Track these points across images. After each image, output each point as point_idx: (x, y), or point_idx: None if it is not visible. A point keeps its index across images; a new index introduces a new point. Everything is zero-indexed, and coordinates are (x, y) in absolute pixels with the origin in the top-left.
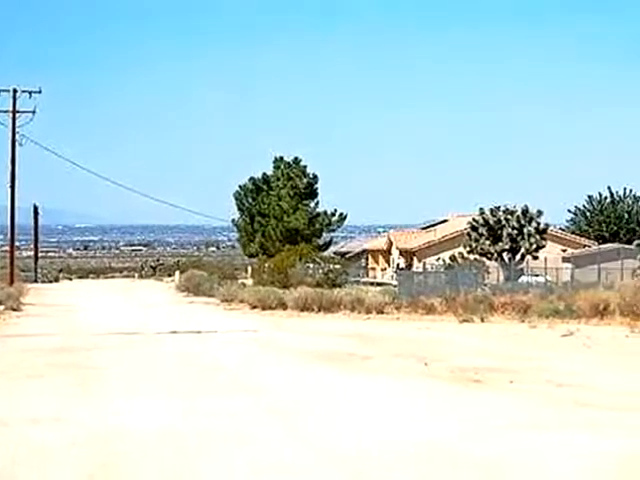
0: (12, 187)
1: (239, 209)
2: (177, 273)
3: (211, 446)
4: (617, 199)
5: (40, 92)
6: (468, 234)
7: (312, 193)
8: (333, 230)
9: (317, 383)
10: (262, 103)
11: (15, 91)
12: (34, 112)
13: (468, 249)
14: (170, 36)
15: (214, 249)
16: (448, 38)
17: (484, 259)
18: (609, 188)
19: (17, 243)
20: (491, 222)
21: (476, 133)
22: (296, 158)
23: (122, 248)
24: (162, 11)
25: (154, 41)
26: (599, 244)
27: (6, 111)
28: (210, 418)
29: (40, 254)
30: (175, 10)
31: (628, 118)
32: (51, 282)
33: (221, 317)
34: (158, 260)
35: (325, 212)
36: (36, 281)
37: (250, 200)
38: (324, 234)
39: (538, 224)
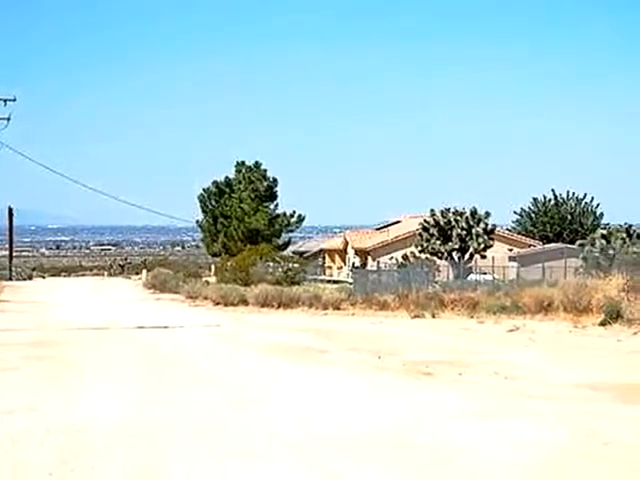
0: None
1: (203, 211)
2: (144, 271)
3: (176, 434)
4: (560, 201)
5: (15, 100)
6: (420, 234)
7: (272, 196)
8: (292, 230)
9: (276, 375)
10: (226, 110)
11: None
12: (9, 119)
13: (420, 248)
14: (140, 41)
15: (179, 249)
16: (391, 49)
17: (435, 258)
18: (553, 191)
19: None
20: (441, 223)
21: (428, 139)
22: (257, 162)
23: (92, 248)
24: (128, 17)
25: (125, 46)
26: (543, 244)
27: None
28: (176, 408)
29: (14, 253)
30: (139, 15)
31: (572, 123)
32: (25, 280)
33: (186, 313)
34: (126, 259)
35: (284, 213)
36: (11, 279)
37: (213, 202)
38: (283, 234)
39: (486, 225)
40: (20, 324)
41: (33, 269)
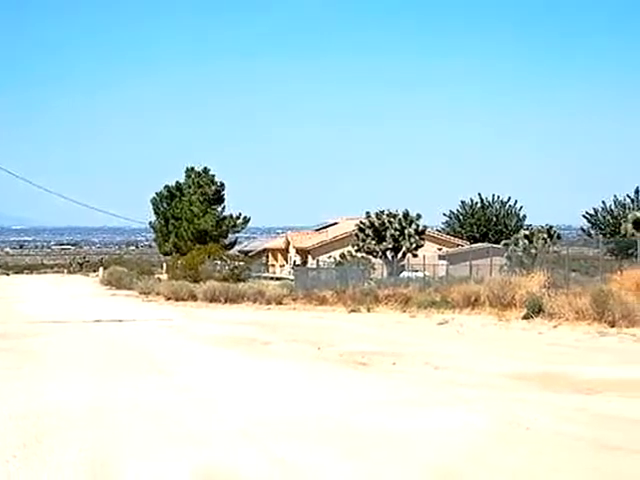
0: None
1: (156, 213)
2: (101, 269)
3: (130, 419)
4: (486, 204)
5: None
6: (356, 235)
7: (219, 199)
8: (238, 231)
9: (223, 364)
10: (176, 119)
11: None
12: None
13: (356, 248)
14: (97, 46)
15: (134, 248)
16: (339, 62)
17: (370, 257)
18: (479, 194)
19: None
20: (376, 224)
21: (365, 144)
22: (205, 168)
23: (53, 247)
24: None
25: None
26: (471, 244)
27: None
28: (130, 395)
29: None
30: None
31: (495, 130)
32: None
33: (140, 308)
34: (84, 258)
35: (231, 215)
36: None
37: (165, 205)
38: (230, 235)
39: (417, 226)
40: None
41: None
